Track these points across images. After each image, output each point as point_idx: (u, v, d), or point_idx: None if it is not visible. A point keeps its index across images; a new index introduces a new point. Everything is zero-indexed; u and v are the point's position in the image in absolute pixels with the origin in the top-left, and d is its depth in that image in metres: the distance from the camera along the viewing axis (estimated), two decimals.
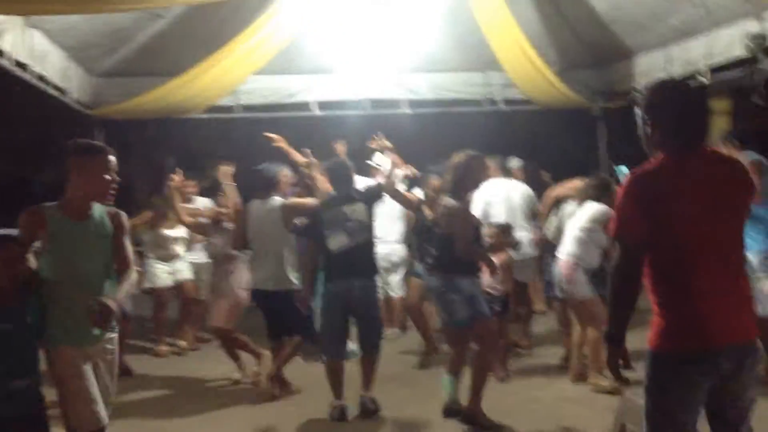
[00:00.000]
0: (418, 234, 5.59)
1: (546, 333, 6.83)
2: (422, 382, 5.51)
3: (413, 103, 8.27)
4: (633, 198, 2.40)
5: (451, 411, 4.49)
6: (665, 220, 2.36)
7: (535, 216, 6.35)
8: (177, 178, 5.73)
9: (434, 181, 5.61)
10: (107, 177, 3.09)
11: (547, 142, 11.18)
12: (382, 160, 5.97)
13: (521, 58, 7.06)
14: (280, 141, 6.09)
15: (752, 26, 5.85)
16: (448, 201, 4.47)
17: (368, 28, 6.62)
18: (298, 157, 5.92)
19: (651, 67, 7.41)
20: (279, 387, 5.17)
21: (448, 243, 4.39)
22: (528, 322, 6.54)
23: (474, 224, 4.62)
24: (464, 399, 4.47)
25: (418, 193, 6.01)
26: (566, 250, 5.13)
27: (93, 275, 3.08)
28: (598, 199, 5.11)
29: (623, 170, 4.83)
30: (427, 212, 5.00)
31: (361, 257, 4.76)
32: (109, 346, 3.18)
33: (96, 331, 3.02)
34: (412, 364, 6.00)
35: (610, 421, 3.96)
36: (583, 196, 5.28)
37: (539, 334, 6.74)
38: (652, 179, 2.41)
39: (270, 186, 5.35)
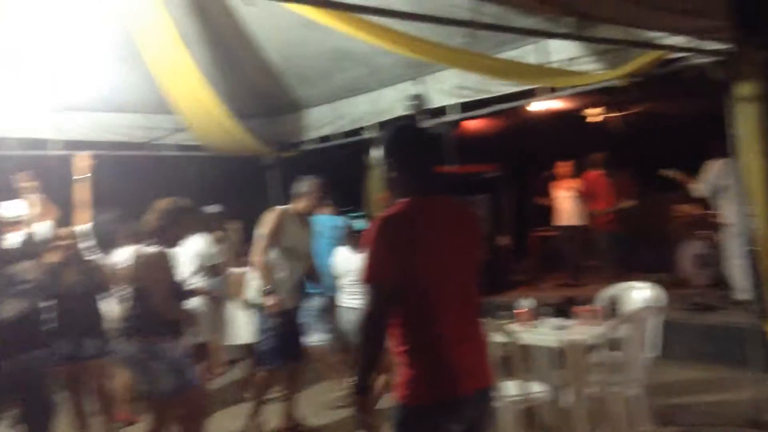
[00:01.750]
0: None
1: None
2: None
3: (68, 144, 7.38)
4: (385, 241, 2.34)
5: None
6: (413, 266, 2.32)
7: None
8: None
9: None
10: None
11: (215, 190, 10.94)
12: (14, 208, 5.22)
13: (197, 103, 6.78)
14: None
15: (413, 89, 6.50)
16: (143, 249, 3.99)
17: (19, 62, 5.75)
18: None
19: (320, 120, 7.76)
20: None
21: (144, 299, 3.89)
22: None
23: (173, 275, 4.18)
24: None
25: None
26: None
27: None
28: None
29: (357, 222, 5.01)
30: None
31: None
32: None
33: None
34: None
35: None
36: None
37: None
38: (402, 222, 2.37)
39: None
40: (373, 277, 2.33)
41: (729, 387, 5.61)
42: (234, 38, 6.92)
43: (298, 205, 5.17)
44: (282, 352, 5.05)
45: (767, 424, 4.75)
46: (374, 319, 2.33)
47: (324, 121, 7.67)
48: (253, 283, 5.19)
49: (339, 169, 9.20)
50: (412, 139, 2.54)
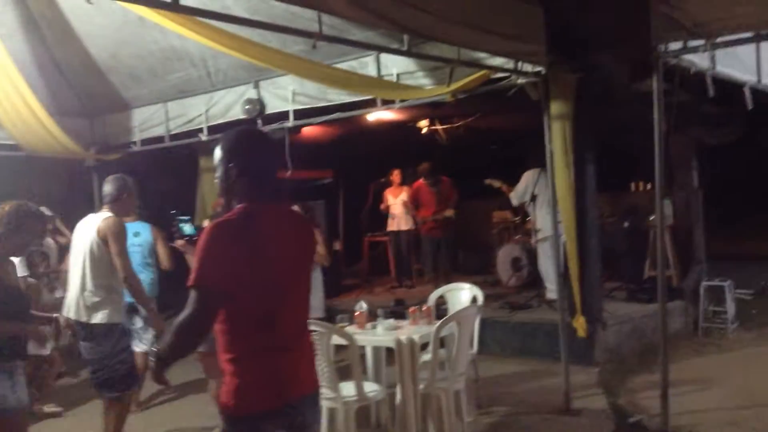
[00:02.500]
0: None
1: None
2: None
3: None
4: (216, 246, 2.27)
5: None
6: (246, 274, 2.28)
7: None
8: None
9: None
10: None
11: (35, 191, 10.13)
12: None
13: (11, 99, 6.27)
14: None
15: (250, 93, 6.46)
16: None
17: None
18: None
19: (149, 120, 7.47)
20: None
21: None
22: None
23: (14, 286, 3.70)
24: None
25: None
26: None
27: None
28: None
29: (186, 226, 4.70)
30: None
31: None
32: None
33: None
34: None
35: None
36: None
37: None
38: (236, 229, 2.31)
39: None
40: (199, 281, 2.25)
41: (542, 378, 6.14)
42: (56, 33, 6.51)
43: (108, 210, 4.58)
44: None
45: (576, 411, 5.27)
46: (195, 324, 2.27)
47: (155, 121, 7.40)
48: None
49: (171, 172, 8.94)
50: (255, 143, 2.47)
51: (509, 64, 5.08)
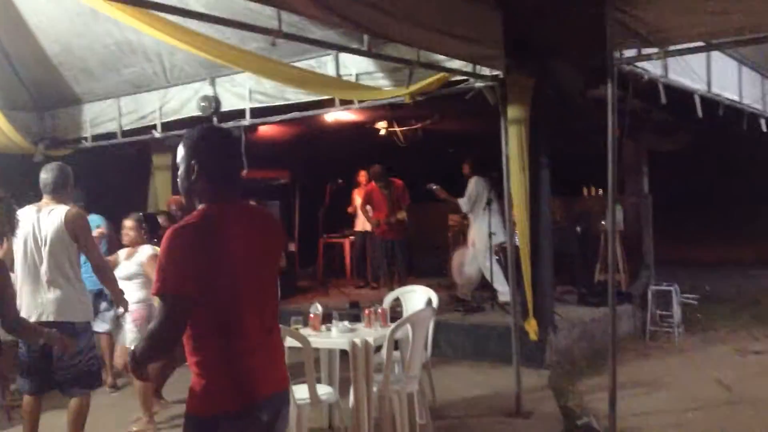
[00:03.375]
0: None
1: None
2: None
3: None
4: (179, 251, 2.22)
5: None
6: (214, 276, 2.24)
7: None
8: None
9: None
10: None
11: None
12: None
13: None
14: None
15: (207, 89, 6.37)
16: None
17: None
18: None
19: (101, 116, 7.31)
20: None
21: None
22: None
23: None
24: None
25: None
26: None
27: None
28: None
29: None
30: None
31: None
32: None
33: None
34: None
35: None
36: None
37: None
38: (202, 231, 2.27)
39: None
40: (168, 288, 2.21)
41: (493, 381, 6.18)
42: (6, 24, 6.33)
43: (52, 200, 4.34)
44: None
45: (527, 413, 5.32)
46: (164, 331, 2.24)
47: (107, 116, 7.24)
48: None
49: (122, 169, 8.74)
50: (219, 142, 2.44)
51: (468, 67, 5.12)
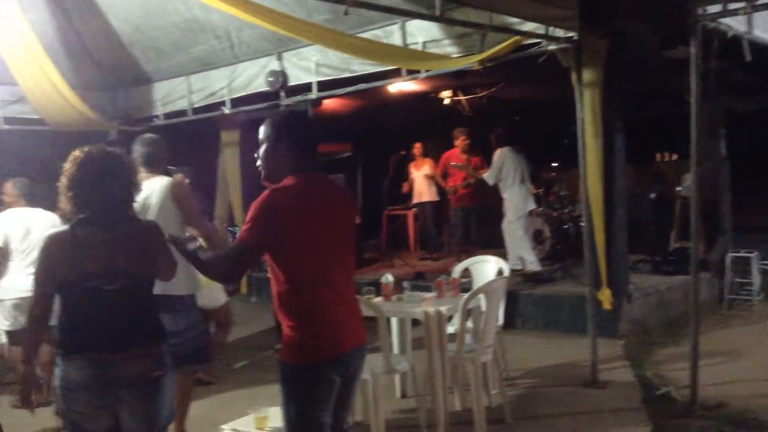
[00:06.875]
0: None
1: None
2: None
3: None
4: (269, 209, 2.53)
5: None
6: (302, 236, 2.55)
7: None
8: None
9: None
10: None
11: (47, 166, 10.15)
12: None
13: (35, 73, 6.25)
14: None
15: (274, 64, 6.40)
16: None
17: None
18: None
19: (172, 94, 7.44)
20: None
21: None
22: None
23: None
24: None
25: None
26: None
27: None
28: None
29: None
30: None
31: None
32: None
33: None
34: None
35: None
36: None
37: None
38: (290, 195, 2.58)
39: None
40: (249, 236, 2.52)
41: (566, 351, 6.10)
42: (79, 6, 6.49)
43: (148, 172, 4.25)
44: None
45: (604, 383, 5.24)
46: (228, 269, 2.61)
47: (177, 95, 7.37)
48: None
49: (192, 146, 8.92)
50: (306, 123, 2.89)
51: (540, 29, 4.97)
